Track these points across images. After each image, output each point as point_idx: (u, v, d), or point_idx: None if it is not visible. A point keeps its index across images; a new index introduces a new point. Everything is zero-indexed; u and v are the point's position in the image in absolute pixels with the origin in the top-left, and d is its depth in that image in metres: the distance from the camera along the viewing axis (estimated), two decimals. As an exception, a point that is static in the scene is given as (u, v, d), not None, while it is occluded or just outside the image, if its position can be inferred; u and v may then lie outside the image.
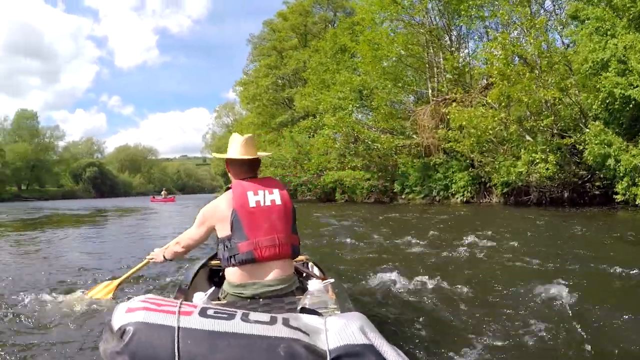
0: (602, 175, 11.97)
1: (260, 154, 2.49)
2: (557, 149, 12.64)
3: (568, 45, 13.80)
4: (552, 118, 12.65)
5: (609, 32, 10.84)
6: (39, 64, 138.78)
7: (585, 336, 2.55)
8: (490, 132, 13.57)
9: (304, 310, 1.73)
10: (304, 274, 2.99)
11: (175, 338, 1.38)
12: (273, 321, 1.51)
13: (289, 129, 29.25)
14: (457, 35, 18.94)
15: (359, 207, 18.22)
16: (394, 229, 8.66)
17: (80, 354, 2.54)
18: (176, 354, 1.35)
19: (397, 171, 19.66)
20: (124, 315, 1.42)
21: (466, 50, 18.40)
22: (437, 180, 17.57)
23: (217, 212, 2.29)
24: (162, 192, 41.78)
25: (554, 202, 13.43)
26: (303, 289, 2.39)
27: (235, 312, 1.53)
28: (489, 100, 14.27)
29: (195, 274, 2.94)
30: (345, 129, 19.54)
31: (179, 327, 1.40)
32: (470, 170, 16.64)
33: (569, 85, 12.44)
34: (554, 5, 14.86)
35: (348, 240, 7.03)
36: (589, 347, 2.41)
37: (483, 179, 16.18)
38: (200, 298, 1.92)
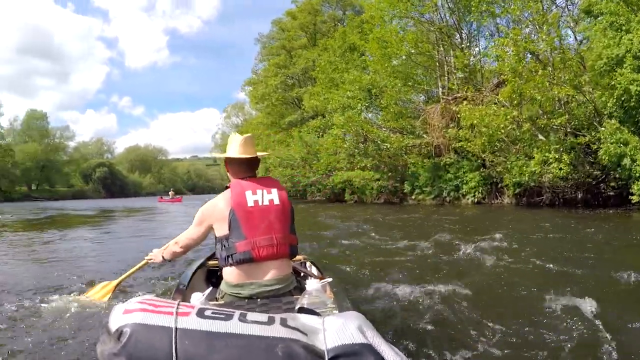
0: (617, 176, 11.77)
1: (260, 153, 2.50)
2: (570, 149, 12.47)
3: (581, 42, 13.59)
4: (566, 116, 12.46)
5: (623, 28, 10.65)
6: (49, 65, 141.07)
7: (598, 345, 2.49)
8: (502, 131, 13.38)
9: (302, 310, 1.74)
10: (302, 274, 3.00)
11: (173, 339, 1.38)
12: (271, 321, 1.52)
13: (297, 129, 29.30)
14: (468, 33, 18.79)
15: (368, 207, 18.17)
16: (400, 230, 8.62)
17: (77, 356, 2.56)
18: (174, 355, 1.36)
19: (407, 171, 19.55)
20: (121, 317, 1.43)
21: (477, 49, 18.23)
22: (448, 181, 17.42)
23: (215, 211, 2.31)
24: (170, 193, 42.15)
25: (568, 203, 13.26)
26: (301, 289, 2.39)
27: (233, 312, 1.55)
28: (501, 99, 14.11)
29: (193, 275, 2.95)
30: (354, 128, 19.47)
31: (176, 328, 1.41)
32: (481, 170, 16.48)
33: (583, 83, 12.25)
34: (567, 1, 14.67)
35: (351, 241, 7.03)
36: (602, 356, 2.37)
37: (494, 180, 16.01)
38: (197, 298, 1.93)
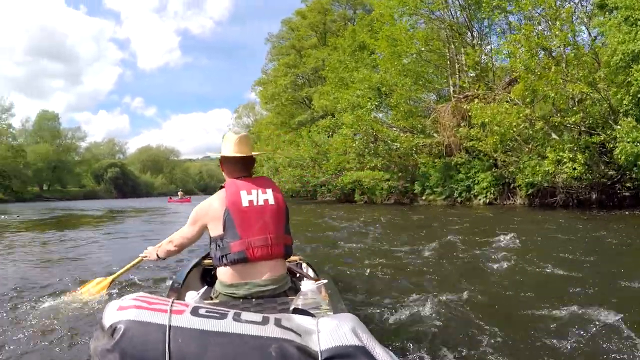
0: (632, 176, 11.59)
1: (255, 153, 2.50)
2: (585, 148, 12.28)
3: (595, 38, 13.36)
4: (580, 114, 12.26)
5: (639, 22, 10.49)
6: (61, 66, 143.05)
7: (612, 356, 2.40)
8: (515, 129, 13.23)
9: (296, 310, 1.75)
10: (298, 275, 3.00)
11: (166, 336, 1.39)
12: (265, 321, 1.52)
13: (307, 128, 29.32)
14: (479, 30, 18.63)
15: (377, 208, 18.07)
16: (406, 232, 8.54)
17: (71, 352, 2.59)
18: (167, 352, 1.37)
19: (418, 171, 19.44)
20: (115, 313, 1.44)
21: (489, 47, 18.08)
22: (459, 181, 17.27)
23: (210, 210, 2.32)
24: (179, 193, 42.58)
25: (582, 204, 13.07)
26: (296, 290, 2.41)
27: (227, 311, 1.55)
28: (513, 97, 13.94)
29: (188, 273, 2.97)
30: (363, 127, 19.41)
31: (170, 326, 1.42)
32: (493, 170, 16.31)
33: (597, 80, 12.05)
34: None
35: (353, 242, 6.99)
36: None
37: (507, 180, 15.82)
38: (192, 297, 1.95)
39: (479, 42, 18.02)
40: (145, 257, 2.85)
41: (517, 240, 6.42)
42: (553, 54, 13.13)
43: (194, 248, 3.26)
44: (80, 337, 2.78)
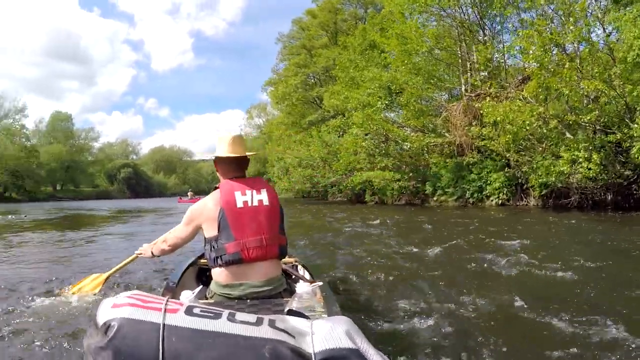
0: (649, 176, 11.37)
1: (249, 153, 2.52)
2: (600, 147, 12.06)
3: (610, 33, 13.08)
4: (596, 113, 11.97)
5: (656, 17, 10.27)
6: (76, 68, 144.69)
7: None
8: (528, 128, 12.94)
9: (291, 312, 1.75)
10: (293, 277, 3.00)
11: (160, 335, 1.40)
12: (259, 322, 1.53)
13: (317, 128, 29.32)
14: (491, 27, 18.43)
15: (387, 209, 17.99)
16: (413, 234, 8.46)
17: (65, 348, 2.61)
18: (160, 351, 1.37)
19: (429, 172, 19.25)
20: (109, 311, 1.45)
21: (500, 45, 17.85)
22: (471, 182, 17.05)
23: (204, 211, 2.33)
24: (189, 194, 42.91)
25: (597, 206, 12.83)
26: (291, 291, 2.42)
27: (222, 311, 1.56)
28: (526, 94, 13.72)
29: (184, 273, 3.00)
30: (374, 126, 19.32)
31: (164, 325, 1.42)
32: (506, 170, 16.08)
33: (613, 76, 11.80)
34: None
35: (356, 243, 6.96)
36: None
37: (520, 180, 15.60)
38: (187, 296, 1.96)
39: (491, 39, 17.81)
40: (141, 254, 2.90)
41: (529, 244, 6.30)
42: (567, 51, 12.89)
43: (193, 248, 3.25)
44: (75, 333, 2.81)
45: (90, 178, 76.32)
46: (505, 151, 14.68)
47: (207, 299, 2.35)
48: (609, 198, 12.68)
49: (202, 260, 3.26)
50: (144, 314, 1.45)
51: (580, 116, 12.16)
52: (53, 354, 2.57)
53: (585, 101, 12.91)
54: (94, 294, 3.54)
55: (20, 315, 3.28)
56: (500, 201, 16.06)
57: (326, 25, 38.23)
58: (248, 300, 2.19)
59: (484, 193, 16.76)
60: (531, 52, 12.55)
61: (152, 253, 2.73)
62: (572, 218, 10.82)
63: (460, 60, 18.67)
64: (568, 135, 12.91)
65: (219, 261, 2.23)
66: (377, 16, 24.91)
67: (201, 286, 2.32)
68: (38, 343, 2.70)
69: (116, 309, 1.45)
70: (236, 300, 2.20)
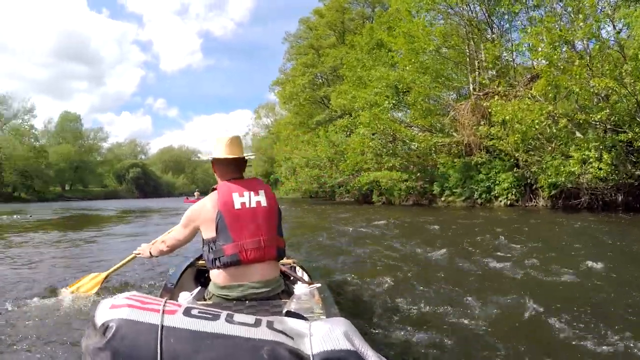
0: (662, 176, 11.20)
1: (247, 154, 2.52)
2: (611, 147, 11.91)
3: (620, 30, 12.89)
4: (607, 111, 11.77)
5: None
6: (85, 69, 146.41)
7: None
8: (537, 127, 12.80)
9: (289, 313, 1.76)
10: (291, 278, 3.01)
11: (158, 336, 1.41)
12: (257, 323, 1.54)
13: (324, 128, 29.30)
14: (499, 25, 18.27)
15: (394, 210, 17.90)
16: (417, 236, 8.34)
17: (64, 348, 2.62)
18: (158, 352, 1.38)
19: (436, 172, 19.11)
20: (107, 312, 1.46)
21: (509, 44, 17.69)
22: (479, 182, 16.89)
23: (202, 213, 2.35)
24: (195, 193, 43.06)
25: (607, 206, 12.65)
26: (289, 293, 2.43)
27: (220, 313, 1.57)
28: (535, 93, 13.56)
29: (182, 274, 3.01)
30: (380, 126, 19.24)
31: (162, 326, 1.44)
32: (514, 170, 15.89)
33: (624, 74, 11.62)
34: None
35: (358, 245, 6.89)
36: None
37: (529, 180, 15.42)
38: (185, 298, 1.97)
39: (499, 38, 17.67)
40: (139, 254, 2.92)
41: (538, 246, 6.19)
42: (576, 49, 12.71)
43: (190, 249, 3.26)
44: (73, 333, 2.82)
45: (99, 178, 77.10)
46: (514, 151, 14.53)
47: (205, 300, 2.36)
48: (620, 199, 12.52)
49: (200, 262, 3.28)
50: (142, 315, 1.46)
51: (590, 115, 12.01)
52: (51, 354, 2.58)
53: (595, 100, 12.76)
54: (92, 294, 3.56)
55: (18, 315, 3.29)
56: (508, 202, 15.90)
57: (334, 24, 38.20)
58: (246, 302, 2.21)
59: (492, 193, 16.59)
60: (540, 49, 12.42)
61: (150, 253, 2.75)
62: (582, 219, 10.70)
63: (468, 59, 18.53)
64: (578, 134, 12.77)
65: (217, 263, 2.25)
66: (384, 15, 24.80)
67: (199, 287, 2.34)
68: (35, 343, 2.71)
69: (114, 310, 1.46)
70: (234, 302, 2.22)
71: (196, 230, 2.41)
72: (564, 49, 12.47)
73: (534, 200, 15.56)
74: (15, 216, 18.21)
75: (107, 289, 3.80)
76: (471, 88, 18.40)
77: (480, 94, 16.77)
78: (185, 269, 3.13)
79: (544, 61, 12.46)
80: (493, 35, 17.79)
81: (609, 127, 12.38)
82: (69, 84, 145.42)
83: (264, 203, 2.35)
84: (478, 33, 18.10)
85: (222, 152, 2.45)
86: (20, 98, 66.73)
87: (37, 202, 48.19)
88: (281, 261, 2.55)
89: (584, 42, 12.44)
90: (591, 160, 11.79)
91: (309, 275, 3.09)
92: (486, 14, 17.92)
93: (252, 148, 66.84)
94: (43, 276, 4.82)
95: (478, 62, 17.98)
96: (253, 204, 2.31)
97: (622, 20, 12.09)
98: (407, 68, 18.72)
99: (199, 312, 1.54)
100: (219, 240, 2.25)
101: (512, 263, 5.06)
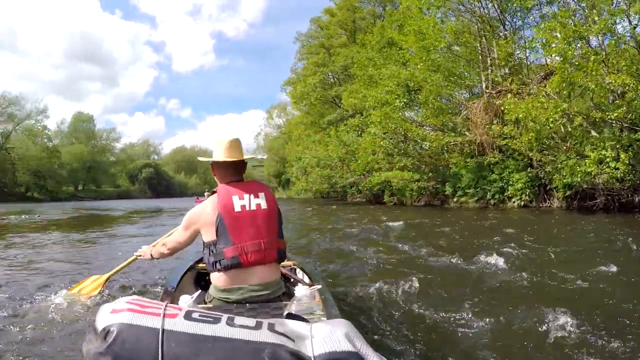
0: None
1: (246, 156, 2.53)
2: (628, 146, 11.67)
3: (636, 26, 12.63)
4: (624, 109, 11.47)
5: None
6: (98, 70, 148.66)
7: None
8: (552, 125, 12.58)
9: (290, 316, 1.77)
10: (292, 280, 3.02)
11: (160, 340, 1.42)
12: (258, 326, 1.55)
13: (334, 127, 29.28)
14: (511, 22, 18.02)
15: (405, 210, 17.78)
16: (426, 237, 8.23)
17: (65, 351, 2.62)
18: (160, 356, 1.40)
19: (448, 172, 18.90)
20: (108, 316, 1.47)
21: (522, 41, 17.45)
22: (492, 182, 16.66)
23: (202, 216, 2.36)
24: (205, 193, 43.38)
25: (624, 208, 12.34)
26: (290, 295, 2.43)
27: (221, 316, 1.58)
28: (549, 90, 13.32)
29: (182, 277, 3.02)
30: (392, 125, 19.13)
31: (163, 330, 1.45)
32: (528, 170, 15.66)
33: (640, 70, 11.35)
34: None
35: (362, 247, 6.83)
36: None
37: (543, 181, 15.17)
38: (186, 301, 1.98)
39: (512, 35, 17.45)
40: (140, 256, 2.95)
41: (552, 250, 5.98)
42: (591, 44, 12.46)
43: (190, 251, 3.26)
44: (75, 336, 2.82)
45: (111, 178, 78.17)
46: (527, 150, 14.32)
47: (205, 303, 2.38)
48: (637, 200, 12.24)
49: (201, 265, 3.29)
50: (143, 319, 1.47)
51: (606, 113, 11.77)
52: (53, 356, 2.59)
53: (610, 97, 12.52)
54: (93, 296, 3.57)
55: (18, 318, 3.29)
56: (522, 202, 15.65)
57: (345, 23, 38.20)
58: (247, 304, 2.22)
59: (505, 194, 16.35)
60: (554, 45, 12.22)
61: (151, 255, 2.77)
62: (598, 221, 10.50)
63: (480, 57, 18.34)
64: (593, 133, 12.53)
65: (218, 266, 2.26)
66: (395, 13, 24.70)
67: (200, 290, 2.35)
68: (35, 347, 2.71)
69: (115, 315, 1.48)
70: (235, 305, 2.23)
71: (196, 233, 2.43)
72: (578, 45, 12.23)
73: (548, 201, 15.33)
74: (23, 216, 18.34)
75: (108, 291, 3.81)
76: (484, 86, 18.21)
77: (493, 92, 16.58)
78: (186, 272, 3.15)
79: (557, 58, 12.24)
80: (505, 32, 17.57)
81: (625, 125, 12.15)
82: (83, 85, 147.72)
83: (264, 206, 2.36)
84: (490, 30, 17.88)
85: (222, 155, 2.46)
86: (33, 99, 67.92)
87: (50, 201, 48.84)
88: (281, 263, 2.56)
89: (599, 37, 12.20)
90: (608, 160, 11.58)
91: (309, 277, 3.10)
92: (498, 11, 17.70)
93: (264, 148, 67.19)
94: (44, 278, 4.83)
95: (490, 60, 17.77)
96: (253, 207, 2.33)
97: (638, 15, 11.83)
98: (419, 66, 18.56)
99: (199, 316, 1.55)
100: (220, 243, 2.26)
101: (523, 266, 4.95)
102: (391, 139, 20.31)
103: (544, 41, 12.93)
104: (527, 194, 15.57)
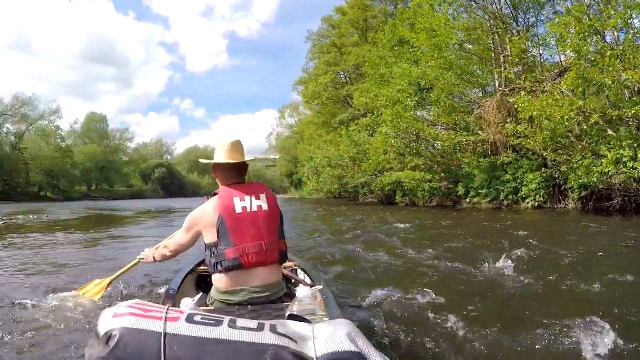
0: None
1: (247, 158, 2.54)
2: (645, 145, 11.43)
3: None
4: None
5: None
6: (112, 71, 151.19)
7: None
8: (567, 124, 12.34)
9: (292, 317, 1.78)
10: (293, 281, 3.03)
11: (162, 344, 1.43)
12: (261, 328, 1.56)
13: (346, 127, 29.24)
14: (525, 19, 17.80)
15: (417, 211, 17.63)
16: (434, 238, 8.14)
17: (65, 357, 2.60)
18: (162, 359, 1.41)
19: (461, 172, 18.67)
20: (110, 321, 1.49)
21: (536, 38, 17.21)
22: (506, 182, 16.38)
23: (203, 218, 2.39)
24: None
25: (641, 209, 12.15)
26: (292, 296, 2.45)
27: (223, 318, 1.60)
28: (564, 87, 13.08)
29: (183, 280, 3.04)
30: (403, 124, 19.00)
31: (165, 333, 1.46)
32: (543, 170, 15.36)
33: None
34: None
35: (366, 248, 6.78)
36: None
37: (558, 181, 14.89)
38: (187, 304, 1.99)
39: (525, 32, 17.21)
40: (143, 259, 2.97)
41: (567, 254, 5.77)
42: (607, 40, 12.20)
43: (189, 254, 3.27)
44: (77, 340, 2.81)
45: (125, 178, 79.09)
46: (542, 150, 14.10)
47: (207, 306, 2.40)
48: (655, 201, 12.03)
49: (202, 267, 3.31)
50: (145, 323, 1.49)
51: (623, 110, 11.53)
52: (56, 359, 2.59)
53: (627, 95, 12.27)
54: (96, 300, 3.59)
55: (25, 320, 3.29)
56: (536, 204, 15.37)
57: (356, 22, 38.13)
58: (249, 306, 2.23)
59: (519, 195, 16.06)
60: (569, 41, 12.02)
61: (154, 258, 2.81)
62: (615, 223, 10.29)
63: (493, 54, 18.13)
64: (610, 132, 12.28)
65: (219, 267, 2.28)
66: (406, 11, 24.53)
67: (201, 293, 2.36)
68: (37, 350, 2.70)
69: (117, 319, 1.49)
70: (237, 307, 2.24)
71: (198, 234, 2.45)
72: (593, 41, 12.00)
73: (563, 202, 15.05)
74: (31, 216, 18.40)
75: (110, 295, 3.82)
76: (497, 84, 18.00)
77: (507, 90, 16.39)
78: (187, 275, 3.17)
79: (572, 54, 12.04)
80: (518, 28, 17.36)
81: (642, 123, 11.90)
82: (97, 86, 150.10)
83: (265, 207, 2.38)
84: (503, 26, 17.67)
85: (223, 157, 2.50)
86: (47, 100, 69.05)
87: (63, 201, 49.36)
88: (283, 264, 2.57)
89: (615, 33, 11.96)
90: (625, 159, 11.36)
91: (310, 278, 3.11)
92: (511, 7, 17.48)
93: (277, 148, 67.46)
94: (46, 280, 4.84)
95: (504, 57, 17.55)
96: (254, 208, 2.35)
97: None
98: (430, 64, 18.39)
99: (201, 319, 1.57)
100: (221, 245, 2.28)
101: (535, 271, 4.81)
102: (403, 138, 20.14)
103: (558, 36, 12.74)
104: (542, 194, 15.30)
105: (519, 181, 16.05)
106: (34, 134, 58.84)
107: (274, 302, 2.31)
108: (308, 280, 3.07)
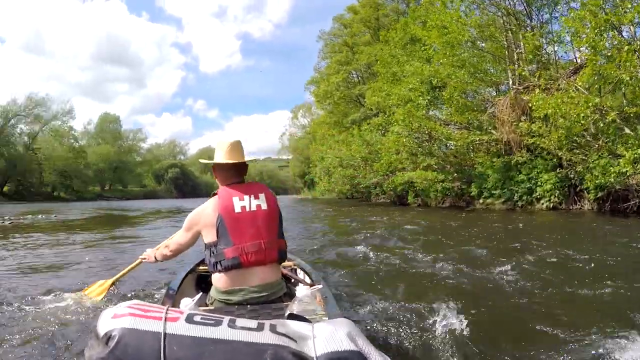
0: None
1: (247, 158, 2.57)
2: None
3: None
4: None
5: None
6: (126, 71, 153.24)
7: None
8: (583, 122, 12.11)
9: (291, 316, 1.79)
10: (293, 280, 3.05)
11: (162, 344, 1.45)
12: (260, 327, 1.58)
13: (357, 127, 29.18)
14: (538, 15, 17.54)
15: (428, 212, 17.45)
16: (442, 240, 8.04)
17: (69, 355, 2.63)
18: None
19: (474, 172, 18.43)
20: (110, 321, 1.51)
21: (550, 35, 16.96)
22: (519, 183, 16.13)
23: (202, 217, 2.42)
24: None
25: (658, 211, 11.89)
26: (291, 295, 2.47)
27: (222, 318, 1.61)
28: (579, 84, 12.86)
29: (183, 280, 3.07)
30: (415, 124, 18.88)
31: (165, 333, 1.48)
32: (558, 170, 15.11)
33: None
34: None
35: (370, 249, 6.70)
36: None
37: (573, 181, 14.64)
38: (187, 304, 2.01)
39: (539, 29, 16.97)
40: (145, 259, 3.01)
41: (580, 258, 5.63)
42: (623, 35, 11.94)
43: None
44: (78, 341, 2.84)
45: (138, 178, 79.89)
46: (557, 149, 13.90)
47: (207, 305, 2.42)
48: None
49: (201, 267, 3.34)
50: (145, 324, 1.50)
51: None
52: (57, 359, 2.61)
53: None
54: (98, 301, 3.64)
55: (29, 319, 3.32)
56: (551, 204, 15.11)
57: (368, 21, 38.04)
58: (248, 306, 2.26)
59: (533, 195, 15.80)
60: (584, 36, 11.81)
61: (155, 258, 2.85)
62: (632, 225, 10.06)
63: (506, 51, 17.91)
64: (627, 130, 12.04)
65: (219, 266, 2.31)
66: (418, 9, 24.38)
67: (201, 293, 2.39)
68: (44, 348, 2.72)
69: (117, 319, 1.51)
70: (236, 306, 2.26)
71: (198, 234, 2.49)
72: (609, 35, 11.77)
73: (578, 203, 14.78)
74: (40, 216, 18.45)
75: (111, 296, 3.85)
76: (510, 82, 17.76)
77: (520, 87, 16.18)
78: (186, 275, 3.20)
79: (587, 50, 11.83)
80: (532, 24, 17.13)
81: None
82: (111, 87, 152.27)
83: (264, 206, 2.41)
84: (516, 23, 17.44)
85: (222, 157, 2.53)
86: (60, 100, 69.93)
87: (76, 201, 49.71)
88: (282, 264, 2.59)
89: (632, 28, 11.72)
90: (643, 158, 11.13)
91: (310, 277, 3.13)
92: (524, 3, 17.25)
93: (289, 148, 67.60)
94: (48, 280, 4.88)
95: (517, 54, 17.32)
96: (253, 208, 2.38)
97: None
98: (442, 62, 18.20)
99: (201, 318, 1.58)
100: (220, 244, 2.31)
101: (546, 275, 4.72)
102: (415, 137, 19.99)
103: (573, 32, 12.52)
104: (557, 195, 15.05)
105: (533, 181, 15.80)
106: (47, 134, 59.48)
107: (273, 301, 2.33)
108: (307, 280, 3.09)
